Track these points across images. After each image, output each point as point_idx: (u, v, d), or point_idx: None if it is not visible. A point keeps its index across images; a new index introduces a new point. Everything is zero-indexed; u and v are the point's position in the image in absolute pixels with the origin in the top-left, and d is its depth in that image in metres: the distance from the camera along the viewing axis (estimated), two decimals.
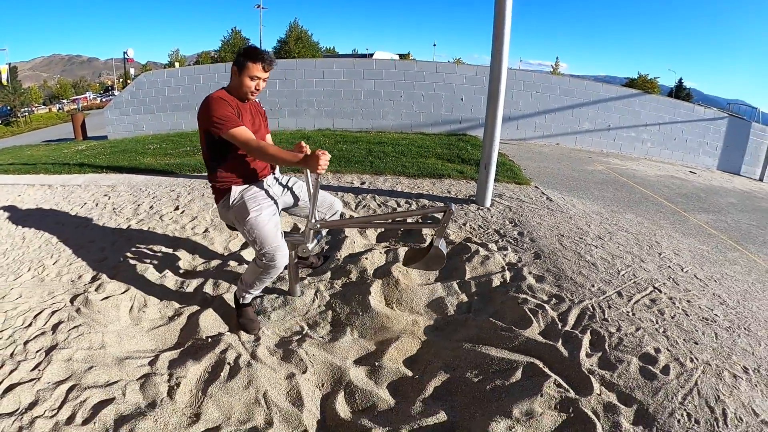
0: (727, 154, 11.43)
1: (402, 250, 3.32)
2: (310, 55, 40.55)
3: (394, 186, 5.36)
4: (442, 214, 2.24)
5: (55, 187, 5.60)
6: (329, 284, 2.98)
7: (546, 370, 1.97)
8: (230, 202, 2.35)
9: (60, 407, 1.97)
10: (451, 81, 10.43)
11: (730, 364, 2.05)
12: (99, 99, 52.84)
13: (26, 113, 37.32)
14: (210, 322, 2.59)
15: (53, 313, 2.67)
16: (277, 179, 2.63)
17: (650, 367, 1.96)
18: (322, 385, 2.08)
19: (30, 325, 2.57)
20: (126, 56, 36.95)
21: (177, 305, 2.83)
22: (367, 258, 3.20)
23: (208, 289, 2.98)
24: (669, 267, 3.29)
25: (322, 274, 3.13)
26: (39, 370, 2.20)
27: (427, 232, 3.69)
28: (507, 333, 2.27)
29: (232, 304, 2.69)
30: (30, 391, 2.06)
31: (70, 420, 1.89)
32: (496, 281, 2.89)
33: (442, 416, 1.79)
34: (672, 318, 2.43)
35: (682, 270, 3.29)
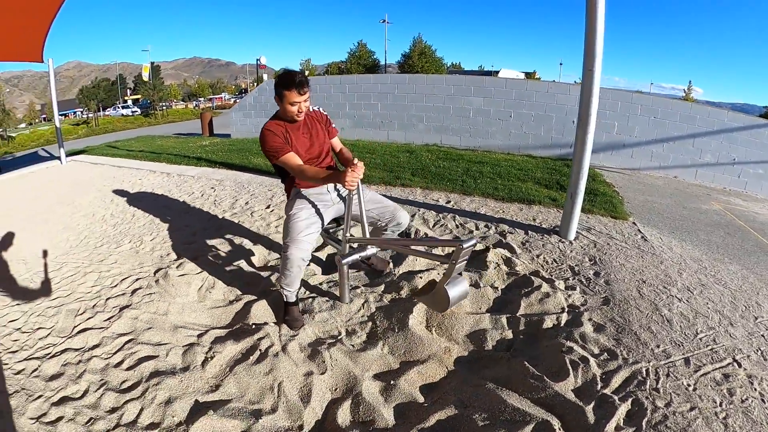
0: None
1: (464, 274, 3.15)
2: (434, 70, 40.76)
3: (478, 208, 5.13)
4: (452, 250, 2.09)
5: (172, 176, 6.29)
6: (379, 297, 2.96)
7: None
8: (289, 199, 2.72)
9: (114, 353, 2.34)
10: (563, 102, 9.69)
11: None
12: (233, 100, 58.15)
13: (164, 107, 42.29)
14: (260, 312, 2.77)
15: (137, 280, 3.11)
16: (337, 188, 2.76)
17: None
18: (335, 389, 2.12)
19: (116, 286, 3.03)
20: (259, 62, 40.06)
21: (239, 292, 3.08)
22: (422, 277, 3.11)
23: (270, 282, 3.19)
24: (762, 336, 2.69)
25: (376, 286, 3.11)
26: (109, 321, 2.61)
27: (492, 259, 3.45)
28: (536, 381, 2.03)
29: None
30: (97, 335, 2.47)
31: (119, 364, 2.27)
32: (549, 322, 2.61)
33: None
34: (741, 402, 1.96)
35: None
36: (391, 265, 3.31)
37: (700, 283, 3.42)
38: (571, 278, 3.24)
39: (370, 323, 2.68)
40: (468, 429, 1.80)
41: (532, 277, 3.18)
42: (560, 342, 2.35)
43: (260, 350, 2.33)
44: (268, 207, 4.80)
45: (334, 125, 2.81)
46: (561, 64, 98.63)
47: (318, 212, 2.63)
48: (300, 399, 2.04)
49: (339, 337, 2.52)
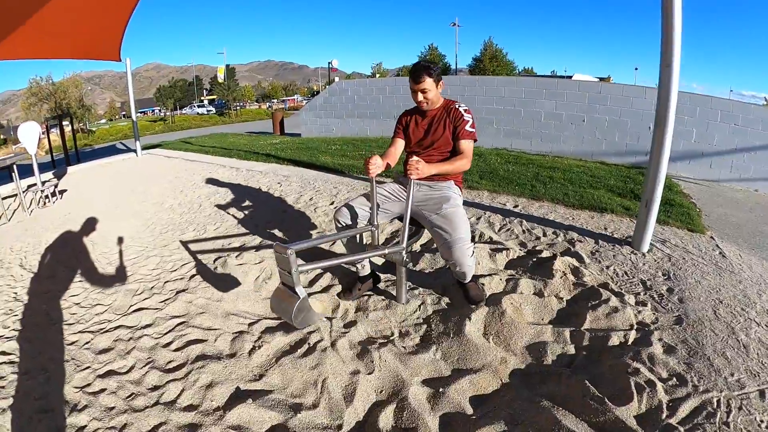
0: None
1: (524, 281, 3.01)
2: (505, 74, 39.56)
3: (547, 214, 4.89)
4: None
5: (241, 171, 6.54)
6: (437, 299, 2.87)
7: None
8: None
9: (165, 333, 2.38)
10: (639, 106, 8.97)
11: None
12: (304, 101, 59.80)
13: (238, 107, 43.92)
14: (315, 305, 2.74)
15: (196, 265, 3.18)
16: (401, 183, 2.80)
17: None
18: (380, 391, 2.04)
19: (175, 270, 3.09)
20: (330, 66, 40.69)
21: None
22: (483, 283, 2.99)
23: (327, 277, 3.16)
24: None
25: (435, 288, 3.02)
26: (165, 303, 2.64)
27: (559, 267, 3.29)
28: (595, 403, 1.87)
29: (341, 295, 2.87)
30: (151, 315, 2.50)
31: (167, 345, 2.29)
32: (615, 340, 2.40)
33: None
34: None
35: None
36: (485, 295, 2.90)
37: None
38: (642, 293, 2.99)
39: (425, 326, 2.60)
40: None
41: (601, 290, 2.95)
42: (626, 362, 2.16)
43: (309, 344, 2.30)
44: (331, 203, 4.81)
45: (470, 129, 2.60)
46: (636, 69, 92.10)
47: (389, 198, 2.71)
48: (343, 397, 1.97)
49: (391, 338, 2.46)
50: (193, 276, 3.06)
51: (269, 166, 7.11)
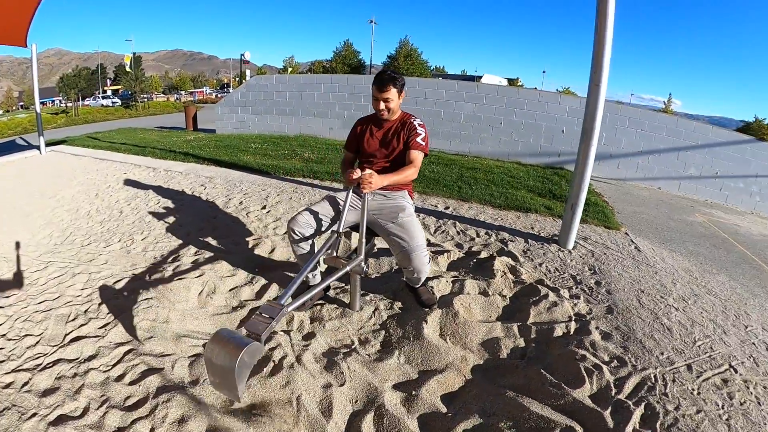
0: None
1: (468, 282, 3.26)
2: (419, 73, 41.29)
3: (478, 215, 5.29)
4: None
5: (159, 171, 6.23)
6: (389, 304, 3.00)
7: None
8: None
9: (114, 365, 2.20)
10: (554, 111, 10.00)
11: None
12: (214, 94, 57.91)
13: (145, 99, 41.80)
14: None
15: (131, 283, 2.95)
16: (357, 194, 2.80)
17: None
18: (356, 401, 2.10)
19: (108, 289, 2.86)
20: (243, 58, 39.91)
21: (243, 298, 2.99)
22: (432, 285, 3.18)
23: (274, 287, 3.12)
24: (753, 344, 2.91)
25: (385, 294, 3.15)
26: (105, 329, 2.44)
27: (499, 267, 3.60)
28: (554, 389, 2.13)
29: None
30: (92, 345, 2.31)
31: (120, 378, 2.11)
32: (559, 331, 2.72)
33: None
34: (741, 405, 2.13)
35: (767, 349, 2.93)
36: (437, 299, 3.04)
37: (693, 293, 3.65)
38: (574, 287, 3.39)
39: (383, 332, 2.70)
40: None
41: (538, 286, 3.30)
42: (572, 350, 2.46)
43: (273, 361, 2.27)
44: (263, 208, 4.76)
45: (421, 141, 2.72)
46: (544, 72, 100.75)
47: (329, 208, 2.75)
48: (321, 413, 1.99)
49: (353, 347, 2.52)
50: (129, 295, 2.83)
51: (189, 166, 6.81)
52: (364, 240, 2.48)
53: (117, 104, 43.70)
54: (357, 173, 2.52)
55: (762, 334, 3.09)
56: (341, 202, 2.76)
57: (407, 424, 1.94)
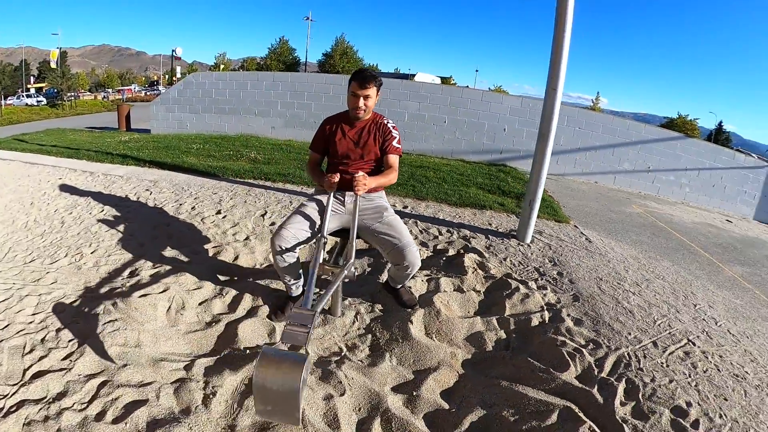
0: (765, 204, 11.20)
1: (443, 280, 3.41)
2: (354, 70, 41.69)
3: (436, 213, 5.50)
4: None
5: (97, 175, 5.90)
6: (370, 307, 3.06)
7: (581, 415, 2.03)
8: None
9: (90, 402, 1.95)
10: (496, 110, 10.58)
11: (757, 423, 2.10)
12: (143, 92, 55.13)
13: (72, 98, 39.27)
14: (248, 333, 2.61)
15: (88, 303, 2.69)
16: (339, 199, 2.82)
17: (681, 420, 2.03)
18: (359, 409, 2.12)
19: (63, 312, 2.59)
20: (174, 54, 38.48)
21: (215, 311, 2.87)
22: (410, 285, 3.28)
23: (247, 298, 3.02)
24: (703, 320, 3.34)
25: (363, 297, 3.20)
26: (71, 360, 2.18)
27: (469, 264, 3.83)
28: (544, 375, 2.33)
29: (272, 316, 2.83)
30: (59, 380, 2.04)
31: (100, 416, 1.87)
32: (535, 321, 2.94)
33: None
34: (704, 372, 2.47)
35: (716, 323, 3.34)
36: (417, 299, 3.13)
37: (644, 279, 4.07)
38: (539, 279, 3.66)
39: (369, 336, 2.75)
40: (504, 426, 2.01)
41: (508, 280, 3.53)
42: (552, 337, 2.68)
43: None
44: (219, 213, 4.65)
45: (397, 144, 2.84)
46: (477, 71, 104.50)
47: (322, 214, 2.65)
48: (328, 425, 1.98)
49: (342, 354, 2.54)
50: (89, 318, 2.57)
51: (129, 170, 6.45)
52: (354, 243, 2.51)
53: (42, 103, 40.35)
54: (337, 177, 2.59)
55: (709, 311, 3.54)
56: (317, 209, 2.74)
57: (416, 425, 2.01)
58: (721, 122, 48.84)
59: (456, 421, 2.06)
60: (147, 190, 5.29)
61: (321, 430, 1.93)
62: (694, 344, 2.83)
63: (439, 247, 4.30)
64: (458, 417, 2.09)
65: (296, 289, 2.88)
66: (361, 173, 2.58)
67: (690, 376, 2.43)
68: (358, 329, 2.83)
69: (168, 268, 3.32)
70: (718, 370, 2.55)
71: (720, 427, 2.05)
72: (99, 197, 4.96)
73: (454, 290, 3.34)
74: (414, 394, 2.22)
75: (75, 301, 2.73)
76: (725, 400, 2.27)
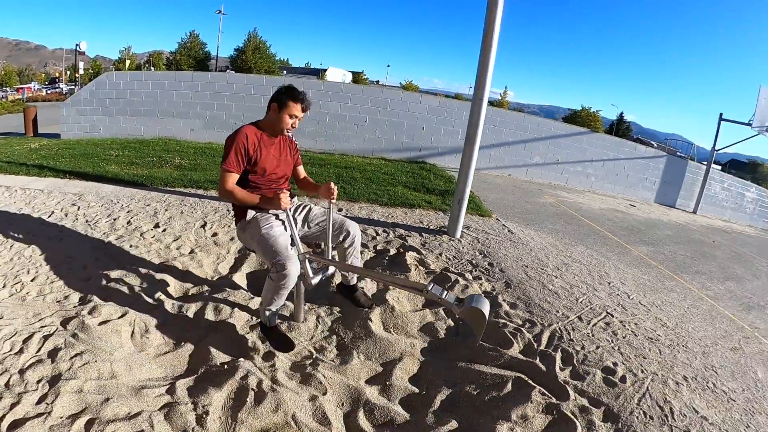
0: (664, 188, 12.85)
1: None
2: (266, 66, 41.02)
3: (370, 214, 5.77)
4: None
5: (14, 190, 5.40)
6: (329, 310, 3.23)
7: (531, 382, 2.43)
8: (246, 222, 2.74)
9: None
10: (415, 110, 11.13)
11: (672, 374, 2.67)
12: (44, 90, 50.16)
13: None
14: (221, 348, 2.64)
15: (46, 337, 2.50)
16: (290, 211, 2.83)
17: (611, 377, 2.53)
18: (342, 404, 2.32)
19: (21, 351, 2.39)
20: (78, 49, 35.54)
21: (179, 332, 2.83)
22: (362, 286, 3.45)
23: (209, 313, 3.03)
24: (618, 295, 3.93)
25: (319, 300, 3.37)
26: (47, 403, 2.05)
27: (411, 262, 4.13)
28: (494, 353, 2.70)
29: (239, 329, 2.87)
30: (41, 427, 1.91)
31: None
32: None
33: (453, 424, 2.16)
34: (624, 338, 3.03)
35: (629, 297, 3.95)
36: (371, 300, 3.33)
37: (563, 263, 4.65)
38: (474, 270, 4.08)
39: (334, 337, 2.93)
40: (469, 400, 2.34)
41: (447, 273, 3.92)
42: (494, 320, 3.09)
43: (253, 390, 2.27)
44: (157, 226, 4.51)
45: (299, 153, 3.04)
46: (389, 66, 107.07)
47: (283, 229, 2.73)
48: (319, 423, 2.14)
49: (313, 356, 2.69)
50: (53, 353, 2.42)
51: (49, 182, 5.83)
52: (331, 245, 2.85)
53: None
54: (287, 195, 2.62)
55: (622, 287, 4.17)
56: (282, 227, 2.77)
57: (395, 410, 2.27)
58: (622, 113, 54.00)
59: (428, 401, 2.36)
60: (73, 204, 4.92)
61: (314, 429, 2.11)
62: (612, 316, 3.38)
63: (378, 247, 4.56)
64: (429, 398, 2.38)
65: (275, 318, 2.84)
66: (332, 183, 2.81)
67: (612, 342, 2.94)
68: (323, 332, 3.00)
69: (119, 290, 3.23)
70: (635, 335, 3.11)
71: (643, 380, 2.57)
72: (23, 216, 4.50)
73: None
74: (387, 383, 2.48)
75: (29, 337, 2.50)
76: (644, 358, 2.81)
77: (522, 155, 11.54)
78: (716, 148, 14.08)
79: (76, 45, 35.54)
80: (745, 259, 7.96)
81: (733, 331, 3.95)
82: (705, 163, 14.48)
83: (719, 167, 16.25)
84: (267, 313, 2.66)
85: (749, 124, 13.32)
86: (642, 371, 2.64)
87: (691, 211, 13.27)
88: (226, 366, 2.47)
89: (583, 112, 49.06)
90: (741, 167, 45.95)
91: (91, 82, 11.78)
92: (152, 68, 45.91)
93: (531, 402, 2.27)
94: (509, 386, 2.41)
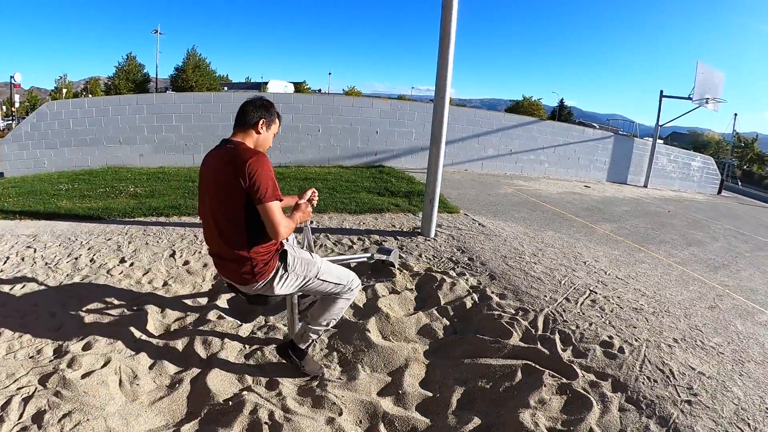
0: (614, 167, 13.56)
1: (378, 286, 3.67)
2: (208, 84, 40.38)
3: (341, 223, 5.75)
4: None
5: None
6: None
7: (538, 367, 2.51)
8: (289, 266, 2.29)
9: None
10: (367, 115, 11.21)
11: (663, 338, 2.88)
12: None
13: None
14: (219, 384, 2.48)
15: (26, 400, 2.26)
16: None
17: (609, 350, 2.69)
18: (360, 421, 2.27)
19: (2, 419, 2.18)
20: (13, 81, 33.71)
21: (171, 371, 2.65)
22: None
23: (198, 348, 2.82)
24: (595, 272, 4.14)
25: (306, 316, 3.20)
26: None
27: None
28: (496, 344, 2.77)
29: (233, 359, 2.72)
30: None
31: None
32: (468, 303, 3.40)
33: (476, 421, 2.18)
34: (611, 312, 3.21)
35: (605, 273, 4.16)
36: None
37: (538, 249, 4.83)
38: (456, 267, 4.16)
39: (335, 353, 2.87)
40: (484, 394, 2.38)
41: (431, 274, 3.96)
42: (488, 314, 3.17)
43: (266, 423, 2.18)
44: (123, 261, 4.26)
45: None
46: (330, 73, 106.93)
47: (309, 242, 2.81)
48: None
49: (317, 376, 2.61)
50: (37, 416, 2.21)
51: None
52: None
53: None
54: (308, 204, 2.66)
55: (597, 264, 4.39)
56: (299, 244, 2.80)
57: (414, 417, 2.26)
58: (562, 99, 56.29)
59: (444, 403, 2.37)
60: (29, 247, 4.55)
61: None
62: (595, 293, 3.57)
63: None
64: (444, 399, 2.39)
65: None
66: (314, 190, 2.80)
67: (602, 317, 3.12)
68: (321, 350, 2.92)
69: (95, 337, 2.94)
70: (621, 307, 3.31)
71: (638, 347, 2.76)
72: None
73: (390, 293, 3.63)
74: (399, 392, 2.46)
75: (8, 402, 2.25)
76: (634, 327, 3.00)
77: (476, 149, 11.87)
78: (659, 123, 14.94)
79: (11, 77, 33.69)
80: (702, 224, 8.52)
81: (705, 291, 4.26)
82: (650, 139, 15.34)
83: (661, 141, 17.26)
84: (314, 336, 2.54)
85: (690, 98, 14.29)
86: (636, 340, 2.82)
87: (642, 185, 14.07)
88: (230, 403, 2.31)
89: (526, 102, 50.70)
90: (682, 139, 48.75)
91: (31, 114, 11.13)
92: (90, 95, 44.26)
93: (544, 386, 2.36)
94: (519, 374, 2.49)
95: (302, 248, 2.69)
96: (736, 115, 39.65)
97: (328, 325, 2.52)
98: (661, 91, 14.91)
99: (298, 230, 2.90)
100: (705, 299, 3.98)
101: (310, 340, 2.54)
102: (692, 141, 48.31)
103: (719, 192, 17.87)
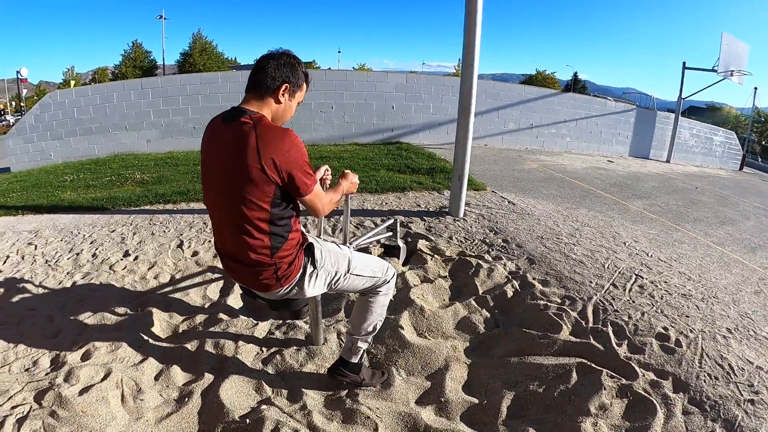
0: (636, 141, 13.24)
1: (408, 274, 3.44)
2: (216, 67, 40.07)
3: (362, 204, 5.55)
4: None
5: None
6: (348, 325, 2.74)
7: (594, 365, 2.27)
8: (317, 262, 1.95)
9: None
10: (382, 89, 10.88)
11: (717, 329, 2.64)
12: None
13: None
14: (234, 397, 2.22)
15: (20, 422, 2.03)
16: None
17: (666, 343, 2.45)
18: None
19: None
20: (20, 76, 33.93)
21: (180, 382, 2.37)
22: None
23: (210, 352, 2.55)
24: (637, 254, 3.90)
25: (333, 315, 2.99)
26: None
27: (424, 251, 3.91)
28: (545, 340, 2.52)
29: (249, 365, 2.46)
30: None
31: None
32: (509, 292, 3.15)
33: None
34: (661, 299, 2.97)
35: (648, 255, 3.93)
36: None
37: (575, 229, 4.62)
38: (490, 250, 3.90)
39: (365, 354, 2.54)
40: (537, 399, 2.15)
41: (465, 258, 3.71)
42: (532, 303, 2.92)
43: None
44: (127, 255, 4.02)
45: None
46: (339, 51, 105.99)
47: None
48: None
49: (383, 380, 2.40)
50: None
51: None
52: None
53: None
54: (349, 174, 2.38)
55: (637, 245, 4.18)
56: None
57: (459, 429, 2.02)
58: (576, 73, 55.38)
59: (493, 410, 2.12)
60: (30, 244, 4.41)
61: None
62: (642, 277, 3.35)
63: (383, 240, 4.41)
64: (493, 406, 2.15)
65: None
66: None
67: (653, 306, 2.89)
68: None
69: (95, 344, 2.64)
70: (669, 293, 3.08)
71: (694, 339, 2.52)
72: None
73: (422, 282, 3.38)
74: (441, 399, 2.20)
75: (1, 425, 2.04)
76: (687, 317, 2.77)
77: (496, 123, 11.58)
78: (683, 96, 14.57)
79: (17, 72, 33.91)
80: (731, 201, 8.26)
81: (748, 274, 4.01)
82: (672, 112, 14.94)
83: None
84: (365, 345, 2.23)
85: (714, 70, 13.81)
86: (691, 331, 2.58)
87: (665, 160, 13.73)
88: (248, 420, 2.04)
89: (539, 76, 49.80)
90: (701, 113, 47.73)
91: (35, 105, 11.10)
92: None
93: (604, 388, 2.13)
94: (574, 375, 2.25)
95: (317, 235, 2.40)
96: (756, 89, 38.31)
97: (375, 329, 2.20)
98: (684, 63, 14.40)
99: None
100: (749, 283, 3.76)
101: (361, 351, 2.23)
102: (711, 115, 47.30)
103: (741, 168, 17.50)
